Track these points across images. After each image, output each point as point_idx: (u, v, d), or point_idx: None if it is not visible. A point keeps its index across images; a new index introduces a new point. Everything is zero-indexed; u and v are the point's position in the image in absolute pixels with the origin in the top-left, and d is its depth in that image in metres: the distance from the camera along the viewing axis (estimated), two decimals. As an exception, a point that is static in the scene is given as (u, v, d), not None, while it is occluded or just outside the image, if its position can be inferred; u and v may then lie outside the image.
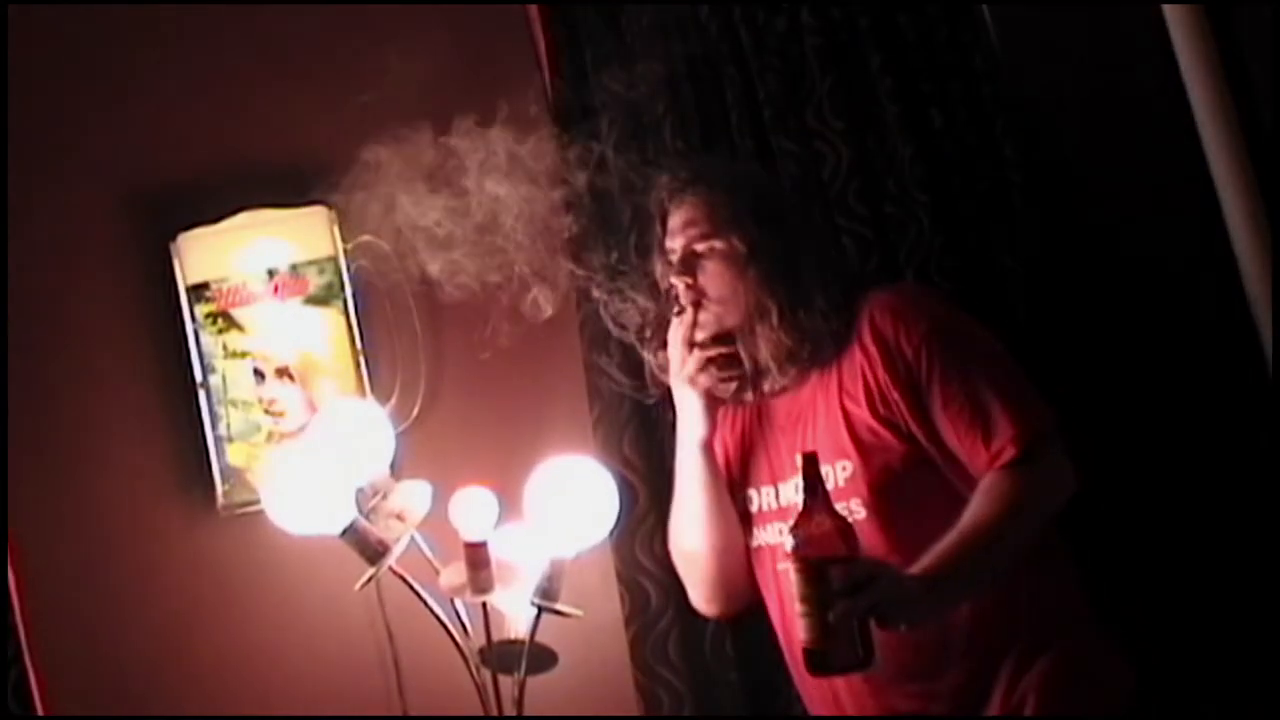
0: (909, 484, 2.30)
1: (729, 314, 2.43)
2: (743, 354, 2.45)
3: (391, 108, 2.95)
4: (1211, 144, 2.90)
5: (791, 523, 2.10)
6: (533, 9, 3.13)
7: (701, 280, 2.44)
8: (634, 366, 2.97)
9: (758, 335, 2.41)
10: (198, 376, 3.02)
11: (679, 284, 2.45)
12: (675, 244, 2.48)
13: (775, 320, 2.38)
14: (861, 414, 2.33)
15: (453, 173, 2.96)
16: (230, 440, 3.02)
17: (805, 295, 2.39)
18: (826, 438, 2.34)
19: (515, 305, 2.86)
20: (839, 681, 2.33)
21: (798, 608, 2.05)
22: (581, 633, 2.85)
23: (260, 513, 2.83)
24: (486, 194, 2.91)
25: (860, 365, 2.34)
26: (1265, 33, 2.79)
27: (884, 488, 2.30)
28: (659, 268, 2.52)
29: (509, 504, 2.71)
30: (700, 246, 2.45)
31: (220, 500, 3.00)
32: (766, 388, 2.48)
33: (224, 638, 3.00)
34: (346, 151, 2.96)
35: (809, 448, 2.26)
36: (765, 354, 2.42)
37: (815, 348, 2.39)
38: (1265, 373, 2.86)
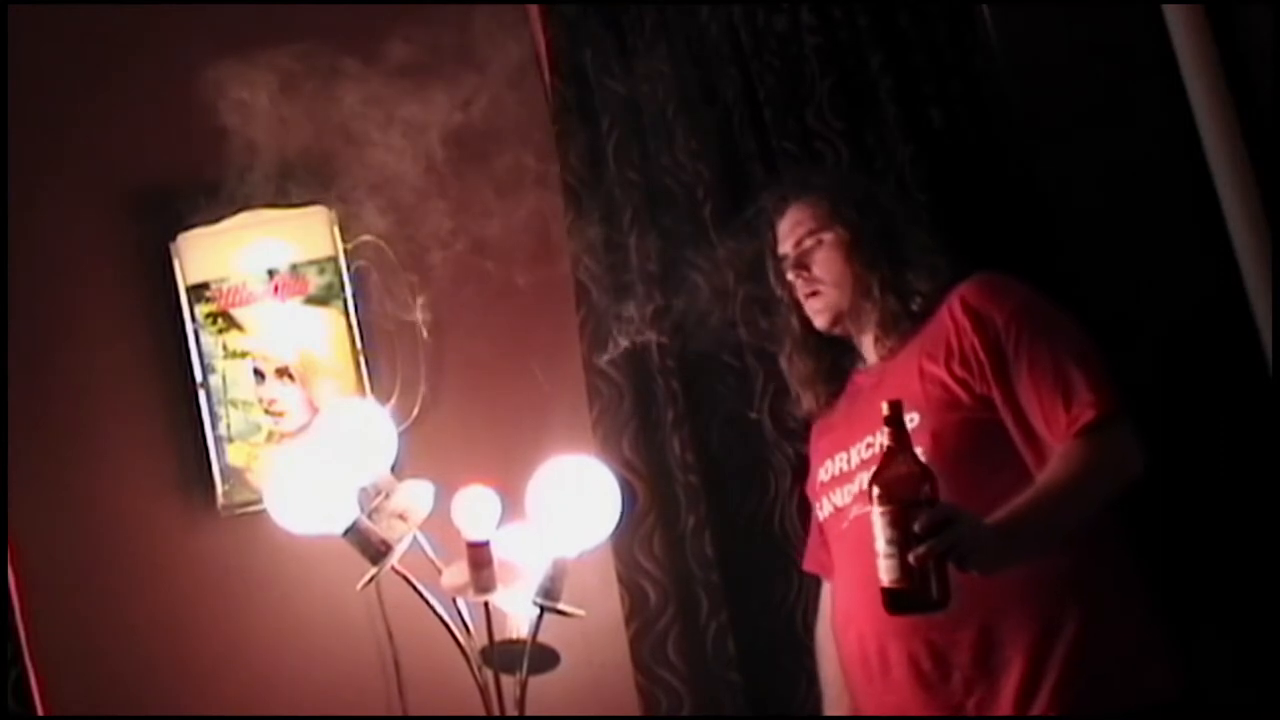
0: (971, 440, 2.41)
1: (842, 296, 2.62)
2: (851, 331, 2.65)
3: (391, 108, 2.97)
4: (1211, 144, 2.91)
5: (875, 467, 2.20)
6: (533, 9, 3.13)
7: (816, 271, 2.64)
8: (636, 366, 2.98)
9: (864, 309, 2.61)
10: (198, 376, 3.02)
11: (796, 279, 2.66)
12: (787, 247, 2.69)
13: (878, 291, 2.58)
14: (937, 370, 2.46)
15: (453, 173, 2.99)
16: (230, 440, 3.02)
17: (907, 263, 2.59)
18: (900, 394, 2.42)
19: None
20: (867, 627, 2.43)
21: (881, 548, 2.13)
22: (582, 633, 2.85)
23: (260, 513, 2.83)
24: (488, 191, 2.94)
25: (946, 331, 2.48)
26: (1265, 33, 2.79)
27: (946, 438, 2.40)
28: (774, 279, 2.75)
29: (511, 503, 2.71)
30: (808, 242, 2.65)
31: (220, 500, 3.00)
32: (862, 367, 2.67)
33: (224, 638, 2.99)
34: (346, 152, 2.98)
35: (905, 390, 2.42)
36: (874, 322, 2.61)
37: (923, 303, 2.55)
38: (1265, 373, 2.86)
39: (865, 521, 2.24)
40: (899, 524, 2.11)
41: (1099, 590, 2.37)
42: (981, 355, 2.42)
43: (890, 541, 2.12)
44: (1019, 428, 2.39)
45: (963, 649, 2.35)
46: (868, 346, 2.65)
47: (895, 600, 2.15)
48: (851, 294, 2.61)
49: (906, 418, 2.35)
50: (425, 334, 3.04)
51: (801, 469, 2.89)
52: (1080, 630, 2.32)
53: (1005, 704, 2.32)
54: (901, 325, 2.57)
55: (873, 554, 2.16)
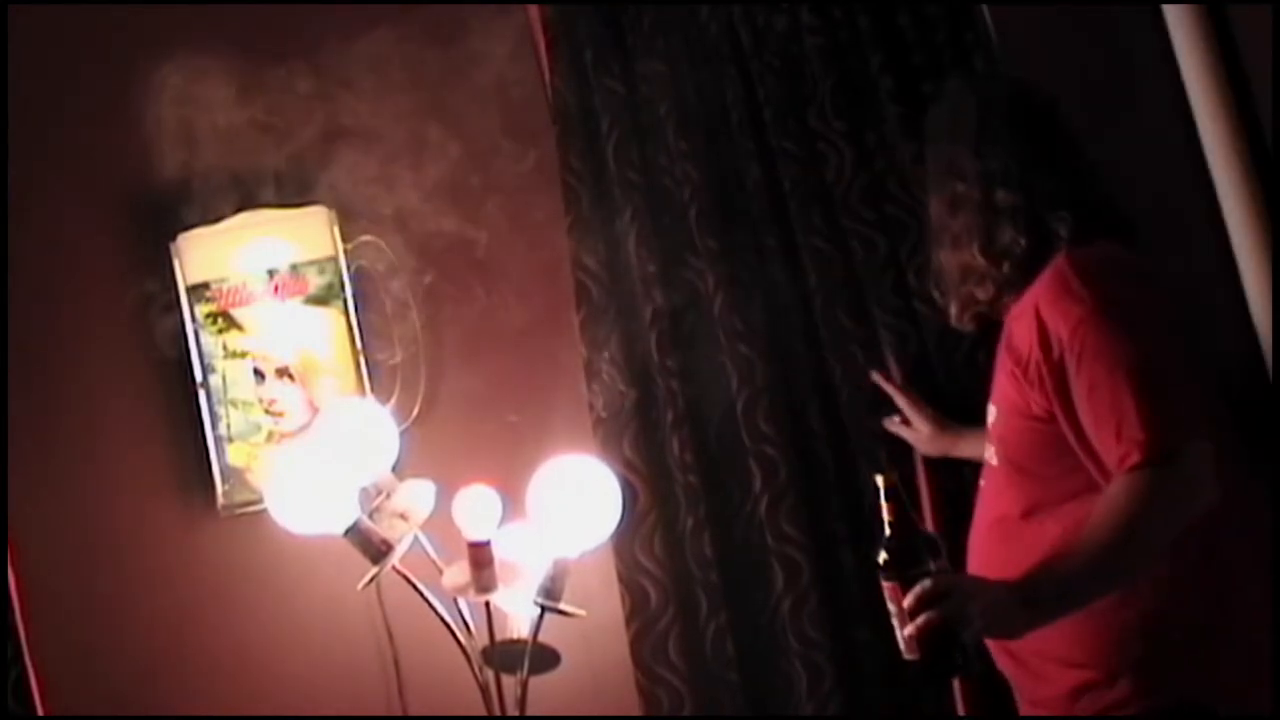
0: (1039, 449, 2.31)
1: (963, 243, 2.45)
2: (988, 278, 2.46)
3: (391, 108, 2.97)
4: (1211, 144, 2.91)
5: (883, 537, 2.12)
6: (533, 9, 3.13)
7: (936, 218, 2.51)
8: (635, 365, 2.98)
9: (975, 263, 2.44)
10: (198, 376, 3.02)
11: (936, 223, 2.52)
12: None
13: (977, 248, 2.42)
14: (1013, 369, 2.33)
15: (453, 172, 2.99)
16: (230, 440, 3.02)
17: (1012, 224, 2.40)
18: (998, 376, 2.39)
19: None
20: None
21: (894, 622, 2.10)
22: (582, 633, 2.85)
23: (260, 513, 2.84)
24: (488, 190, 2.94)
25: (1027, 326, 2.32)
26: (1265, 33, 2.79)
27: (1013, 444, 2.34)
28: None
29: (512, 503, 2.72)
30: (934, 189, 2.52)
31: (220, 500, 3.00)
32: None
33: (224, 638, 2.99)
34: (347, 152, 2.98)
35: (999, 380, 2.37)
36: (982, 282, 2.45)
37: (1014, 270, 2.39)
38: (1265, 373, 2.87)
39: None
40: (895, 600, 2.08)
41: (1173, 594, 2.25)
42: (1044, 370, 2.27)
43: (895, 616, 2.09)
44: (1082, 446, 2.26)
45: (1027, 645, 2.27)
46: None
47: (911, 671, 2.11)
48: (972, 243, 2.44)
49: (991, 408, 2.36)
50: (424, 335, 3.05)
51: (799, 469, 2.89)
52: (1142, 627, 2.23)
53: (1062, 703, 2.28)
54: (998, 287, 2.42)
55: (981, 520, 2.25)
